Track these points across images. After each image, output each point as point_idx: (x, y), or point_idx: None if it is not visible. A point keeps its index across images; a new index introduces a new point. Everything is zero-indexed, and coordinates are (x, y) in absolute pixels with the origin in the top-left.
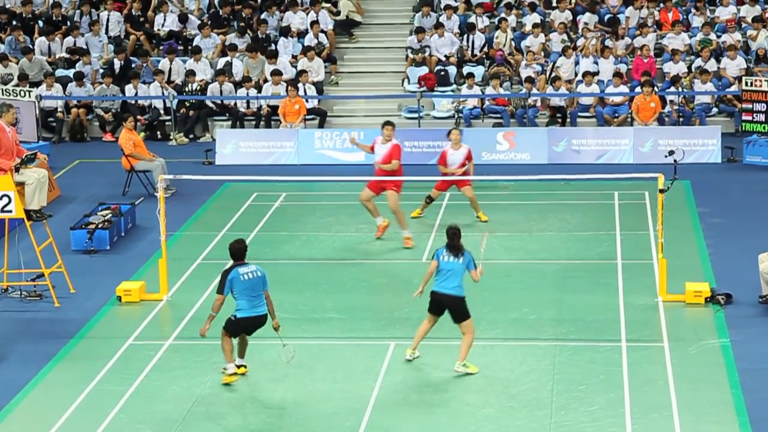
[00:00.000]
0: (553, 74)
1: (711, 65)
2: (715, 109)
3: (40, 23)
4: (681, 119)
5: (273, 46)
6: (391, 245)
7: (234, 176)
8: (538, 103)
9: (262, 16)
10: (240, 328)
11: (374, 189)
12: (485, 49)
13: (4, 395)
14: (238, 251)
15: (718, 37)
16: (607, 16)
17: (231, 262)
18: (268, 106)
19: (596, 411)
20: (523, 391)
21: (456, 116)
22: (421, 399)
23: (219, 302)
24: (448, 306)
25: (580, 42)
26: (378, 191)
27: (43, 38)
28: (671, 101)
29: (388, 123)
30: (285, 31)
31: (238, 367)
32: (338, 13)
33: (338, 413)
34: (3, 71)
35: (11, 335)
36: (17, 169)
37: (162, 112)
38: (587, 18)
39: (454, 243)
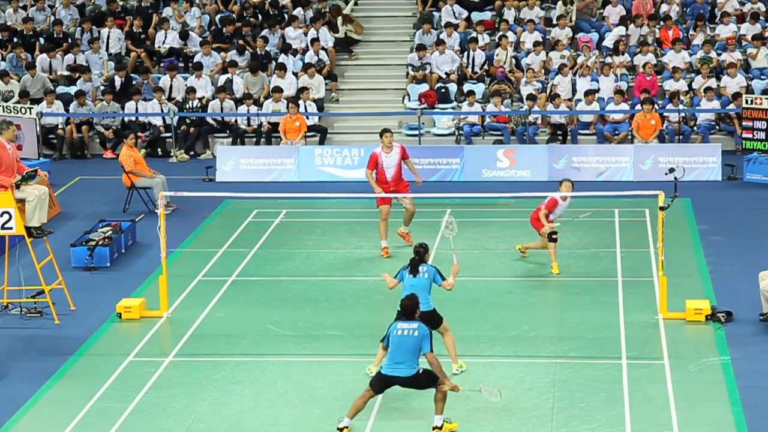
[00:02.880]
0: (552, 92)
1: (712, 83)
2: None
3: (41, 40)
4: (680, 137)
5: (273, 63)
6: (391, 262)
7: (234, 193)
8: (539, 121)
9: (263, 33)
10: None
11: (389, 201)
12: (486, 67)
13: (4, 412)
14: (406, 308)
15: (719, 55)
16: (607, 34)
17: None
18: (269, 123)
19: (596, 429)
20: (523, 408)
21: (456, 133)
22: (421, 416)
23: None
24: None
25: (580, 60)
26: (391, 201)
27: (44, 55)
28: (667, 117)
29: (387, 130)
30: (286, 49)
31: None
32: (337, 30)
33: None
34: (4, 88)
35: (11, 352)
36: (18, 186)
37: (162, 129)
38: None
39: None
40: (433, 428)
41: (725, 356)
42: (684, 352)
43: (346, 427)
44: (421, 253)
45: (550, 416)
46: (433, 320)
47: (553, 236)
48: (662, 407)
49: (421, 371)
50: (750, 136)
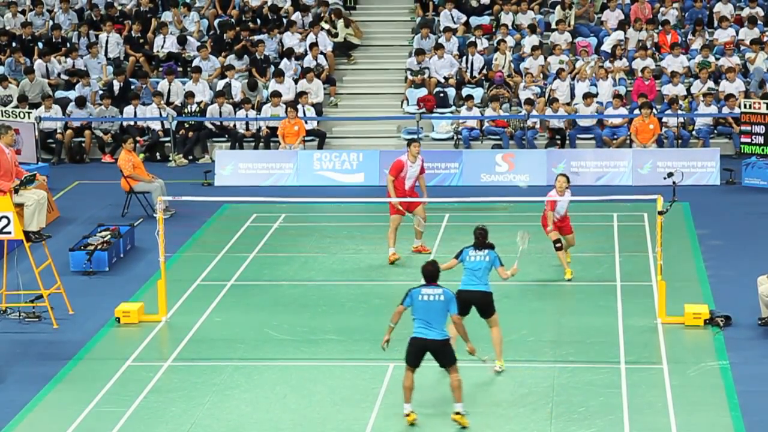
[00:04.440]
0: (550, 96)
1: (711, 86)
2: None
3: (40, 45)
4: (680, 141)
5: (272, 68)
6: (389, 266)
7: (233, 197)
8: (537, 125)
9: (262, 38)
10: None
11: (403, 212)
12: (484, 71)
13: (3, 417)
14: (428, 273)
15: (717, 59)
16: (605, 38)
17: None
18: (268, 127)
19: None
20: (522, 413)
21: (455, 138)
22: (419, 421)
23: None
24: (477, 303)
25: (579, 64)
26: (404, 212)
27: (42, 60)
28: (665, 123)
29: (415, 140)
30: (285, 53)
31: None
32: (336, 35)
33: None
34: (2, 92)
35: (10, 357)
36: (16, 191)
37: (161, 133)
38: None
39: (479, 241)
40: (456, 413)
41: (724, 361)
42: (683, 357)
43: (412, 412)
44: (484, 235)
45: (549, 421)
46: (488, 304)
47: (557, 245)
48: (661, 412)
49: (449, 339)
50: (748, 140)
